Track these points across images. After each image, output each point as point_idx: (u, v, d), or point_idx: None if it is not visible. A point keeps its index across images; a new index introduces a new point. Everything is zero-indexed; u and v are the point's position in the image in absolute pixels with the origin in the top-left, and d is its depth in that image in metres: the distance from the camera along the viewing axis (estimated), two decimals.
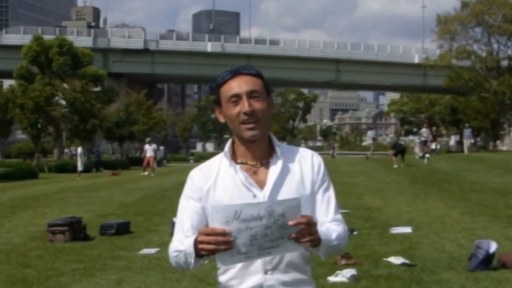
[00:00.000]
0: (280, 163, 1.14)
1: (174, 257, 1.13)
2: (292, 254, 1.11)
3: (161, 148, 38.55)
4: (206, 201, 1.15)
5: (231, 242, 1.00)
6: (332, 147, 32.03)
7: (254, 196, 1.12)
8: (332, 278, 3.47)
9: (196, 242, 1.04)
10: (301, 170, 1.16)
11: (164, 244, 4.86)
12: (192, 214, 1.16)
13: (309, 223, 1.03)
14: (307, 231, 1.02)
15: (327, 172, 1.20)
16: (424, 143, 19.05)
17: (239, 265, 1.11)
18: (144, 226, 5.89)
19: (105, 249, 4.76)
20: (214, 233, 1.01)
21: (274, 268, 1.12)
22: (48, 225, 5.31)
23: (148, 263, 4.17)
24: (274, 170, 1.14)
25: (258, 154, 1.15)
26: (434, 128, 21.45)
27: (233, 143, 1.17)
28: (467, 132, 23.47)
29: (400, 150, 13.79)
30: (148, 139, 17.69)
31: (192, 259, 1.07)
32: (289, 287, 1.11)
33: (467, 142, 23.18)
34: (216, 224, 1.01)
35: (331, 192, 1.19)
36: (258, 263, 1.11)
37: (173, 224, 5.31)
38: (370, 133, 21.04)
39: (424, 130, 19.58)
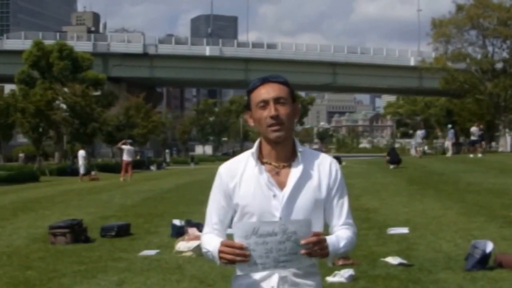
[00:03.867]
0: (300, 167, 1.24)
1: (204, 252, 1.26)
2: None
3: (167, 151, 38.64)
4: (232, 197, 1.26)
5: (248, 255, 1.13)
6: (321, 150, 32.54)
7: (274, 195, 1.22)
8: (330, 278, 3.50)
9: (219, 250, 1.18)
10: (319, 175, 1.26)
11: (164, 246, 4.90)
12: (219, 209, 1.28)
13: (319, 241, 1.15)
14: (317, 248, 1.15)
15: (343, 179, 1.30)
16: (473, 143, 17.57)
17: None
18: (145, 228, 5.92)
19: (106, 250, 4.80)
20: (233, 246, 1.14)
21: None
22: (49, 228, 5.35)
23: (148, 264, 4.21)
24: (295, 173, 1.24)
25: (282, 155, 1.25)
26: (482, 127, 19.34)
27: (260, 144, 1.27)
28: (450, 133, 21.54)
29: (395, 161, 13.57)
30: (127, 141, 15.82)
31: (217, 261, 1.20)
32: (300, 278, 1.22)
33: (449, 144, 21.36)
34: (237, 237, 1.15)
35: (345, 198, 1.30)
36: None
37: (173, 226, 5.40)
38: (419, 133, 19.92)
39: (474, 129, 17.82)
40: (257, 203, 1.22)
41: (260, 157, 1.26)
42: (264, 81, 1.26)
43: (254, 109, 1.25)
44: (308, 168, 1.25)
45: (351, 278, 3.52)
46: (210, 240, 1.24)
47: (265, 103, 1.23)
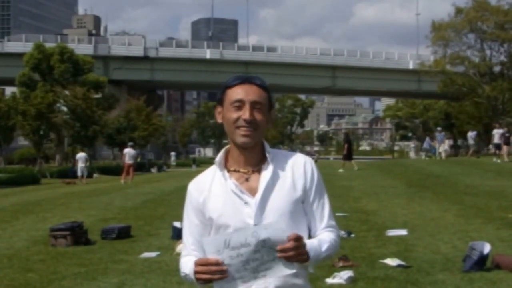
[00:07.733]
0: (270, 169, 1.15)
1: (183, 277, 1.17)
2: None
3: (173, 153, 38.66)
4: (204, 212, 1.17)
5: (225, 270, 1.05)
6: (311, 154, 33.07)
7: (246, 203, 1.13)
8: (329, 280, 3.54)
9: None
10: (293, 175, 1.16)
11: (164, 248, 4.92)
12: (192, 228, 1.19)
13: (296, 246, 1.05)
14: (295, 252, 1.05)
15: (321, 178, 1.20)
16: (497, 147, 15.82)
17: None
18: (145, 230, 5.95)
19: (106, 253, 4.83)
20: (208, 264, 1.06)
21: None
22: (50, 230, 5.39)
23: (148, 266, 4.23)
24: (265, 176, 1.15)
25: (251, 161, 1.16)
26: (506, 129, 17.12)
27: (227, 152, 1.19)
28: (439, 136, 19.86)
29: (349, 155, 12.48)
30: (130, 144, 15.85)
31: (195, 283, 1.11)
32: None
33: (440, 148, 19.41)
34: (209, 254, 1.06)
35: (326, 199, 1.19)
36: None
37: (173, 228, 5.43)
38: (471, 134, 19.20)
39: (496, 131, 16.03)
40: (229, 213, 1.13)
41: (228, 165, 1.17)
42: (245, 80, 1.15)
43: (226, 107, 1.14)
44: (280, 169, 1.16)
45: (350, 280, 3.55)
46: (187, 262, 1.14)
47: (240, 104, 1.12)
